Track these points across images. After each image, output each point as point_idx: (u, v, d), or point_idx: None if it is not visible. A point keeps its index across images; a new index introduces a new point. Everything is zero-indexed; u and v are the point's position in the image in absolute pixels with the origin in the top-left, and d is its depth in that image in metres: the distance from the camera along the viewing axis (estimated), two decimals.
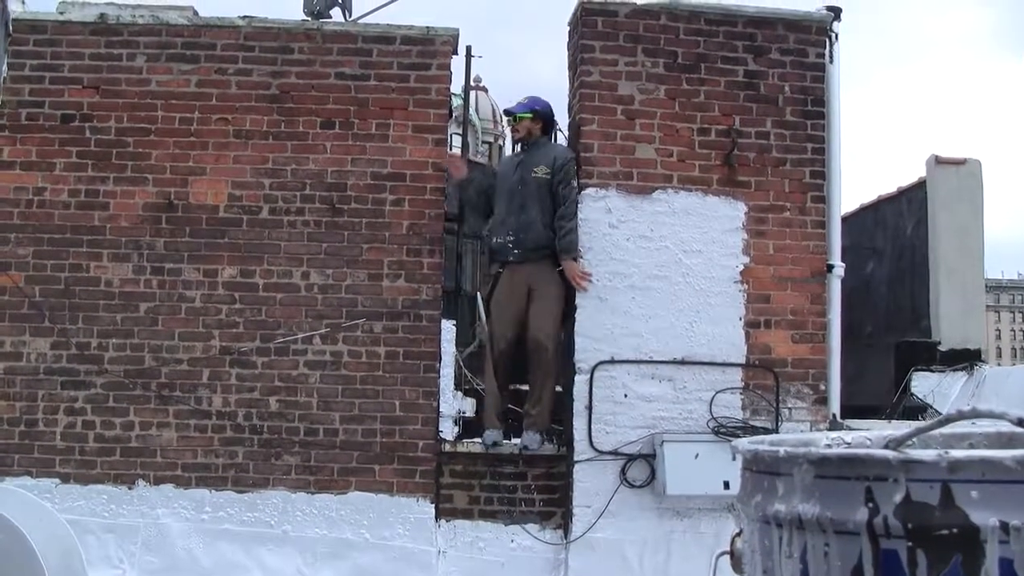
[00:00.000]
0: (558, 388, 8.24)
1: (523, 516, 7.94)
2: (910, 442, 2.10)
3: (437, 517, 7.87)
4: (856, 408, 9.21)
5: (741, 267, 8.04)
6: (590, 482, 7.80)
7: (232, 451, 7.83)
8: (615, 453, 7.80)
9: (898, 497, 2.03)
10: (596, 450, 7.80)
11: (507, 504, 7.95)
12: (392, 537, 7.77)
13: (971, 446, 2.62)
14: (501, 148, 30.99)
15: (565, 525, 7.88)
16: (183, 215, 7.98)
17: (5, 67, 2.63)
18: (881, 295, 12.49)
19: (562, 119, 8.93)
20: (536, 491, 8.00)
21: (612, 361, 7.87)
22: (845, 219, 9.32)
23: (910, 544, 2.01)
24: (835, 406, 8.14)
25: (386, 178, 8.06)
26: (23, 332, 7.84)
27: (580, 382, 7.86)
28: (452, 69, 8.36)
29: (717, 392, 7.89)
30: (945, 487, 1.98)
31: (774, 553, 2.28)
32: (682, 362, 7.92)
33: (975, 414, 2.19)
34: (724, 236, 8.05)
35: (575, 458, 7.83)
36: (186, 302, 7.92)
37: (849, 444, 2.16)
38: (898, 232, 12.30)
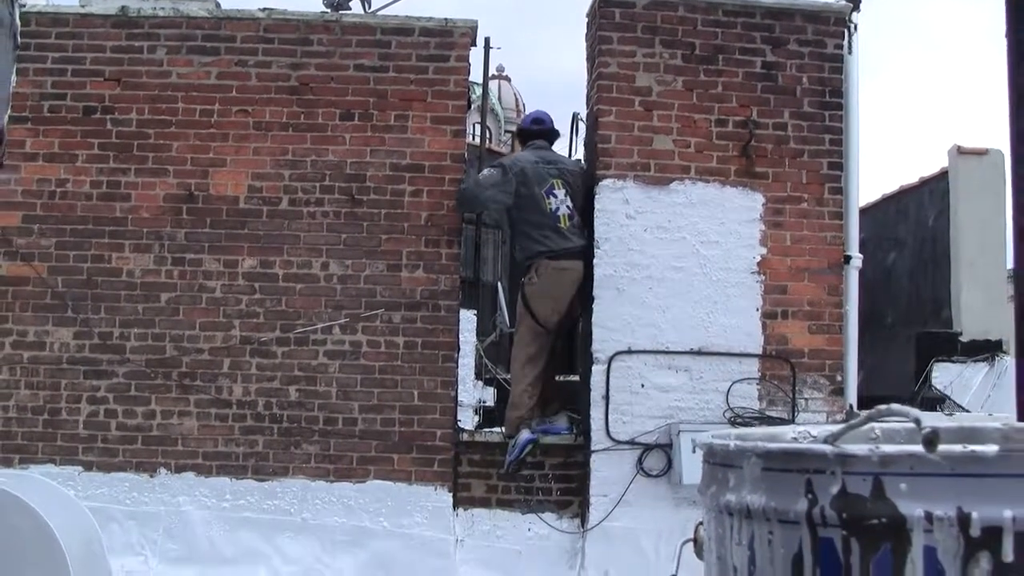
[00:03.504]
0: (569, 378, 8.28)
1: (540, 505, 7.99)
2: (874, 434, 2.18)
3: (455, 506, 7.93)
4: (877, 398, 9.19)
5: (758, 258, 8.04)
6: (607, 471, 7.83)
7: (252, 440, 7.91)
8: (632, 443, 7.82)
9: (835, 489, 2.13)
10: (613, 440, 7.82)
11: (524, 493, 7.99)
12: (410, 525, 7.83)
13: None
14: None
15: (582, 514, 7.92)
16: (204, 206, 8.05)
17: (15, 76, 2.68)
18: (902, 286, 12.47)
19: (580, 110, 8.99)
20: (553, 480, 8.04)
21: (629, 351, 7.89)
22: (867, 210, 9.32)
23: (845, 533, 2.12)
24: (852, 397, 8.14)
25: (405, 169, 8.10)
26: (46, 322, 7.94)
27: (597, 372, 7.88)
28: (471, 61, 8.40)
29: (734, 382, 7.91)
30: (877, 480, 2.08)
31: (726, 540, 2.40)
32: (699, 352, 7.93)
33: (889, 412, 2.29)
34: (741, 227, 8.05)
35: (592, 448, 7.85)
36: (207, 292, 8.00)
37: (815, 438, 2.24)
38: (920, 223, 12.27)
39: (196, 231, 8.04)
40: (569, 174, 8.20)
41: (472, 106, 9.59)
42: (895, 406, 2.26)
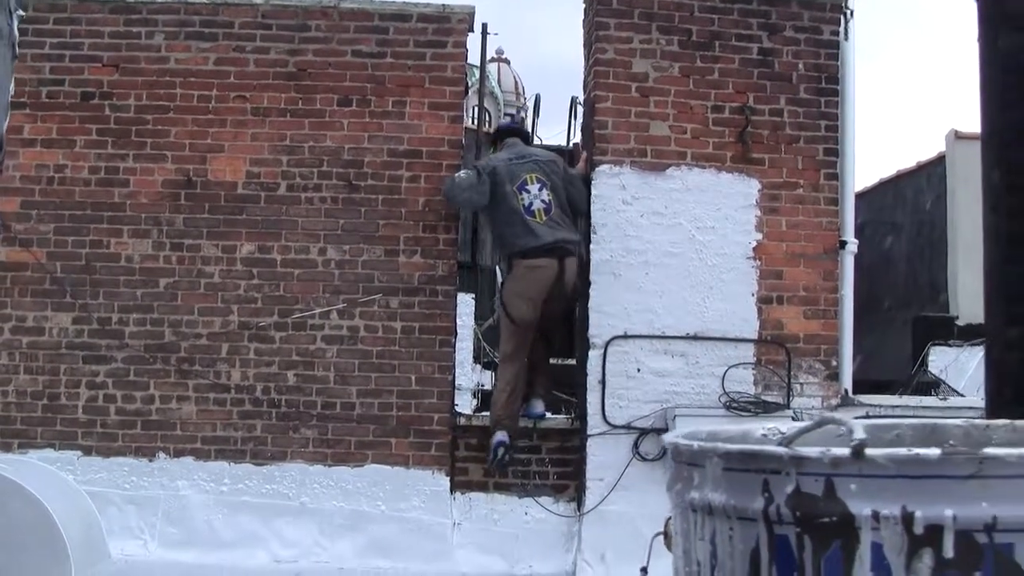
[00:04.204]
0: (567, 362, 8.30)
1: (537, 489, 8.02)
2: (840, 433, 2.31)
3: (452, 490, 7.98)
4: (873, 383, 9.25)
5: (754, 243, 8.07)
6: (603, 456, 7.87)
7: (251, 424, 7.96)
8: (628, 427, 7.86)
9: (789, 488, 2.24)
10: (609, 424, 7.87)
11: (521, 477, 8.03)
12: (408, 509, 7.88)
13: (898, 437, 2.85)
14: (523, 120, 30.88)
15: (578, 498, 7.97)
16: (202, 192, 8.08)
17: (13, 86, 2.70)
18: (900, 270, 12.51)
19: (580, 93, 9.01)
20: (550, 464, 8.09)
21: (625, 336, 7.93)
22: (864, 194, 9.34)
23: (798, 530, 2.23)
24: (847, 381, 8.18)
25: (402, 155, 8.13)
26: (45, 307, 7.98)
27: (594, 357, 7.93)
28: (468, 46, 8.44)
29: (729, 367, 7.94)
30: (828, 480, 2.19)
31: (691, 535, 2.51)
32: (695, 337, 7.97)
33: (832, 421, 2.45)
34: (737, 213, 8.08)
35: (588, 432, 7.90)
36: (205, 278, 8.04)
37: (784, 434, 2.35)
38: (917, 207, 12.31)
39: (194, 216, 8.07)
40: (545, 165, 8.02)
41: (470, 91, 9.61)
42: (836, 415, 2.43)
